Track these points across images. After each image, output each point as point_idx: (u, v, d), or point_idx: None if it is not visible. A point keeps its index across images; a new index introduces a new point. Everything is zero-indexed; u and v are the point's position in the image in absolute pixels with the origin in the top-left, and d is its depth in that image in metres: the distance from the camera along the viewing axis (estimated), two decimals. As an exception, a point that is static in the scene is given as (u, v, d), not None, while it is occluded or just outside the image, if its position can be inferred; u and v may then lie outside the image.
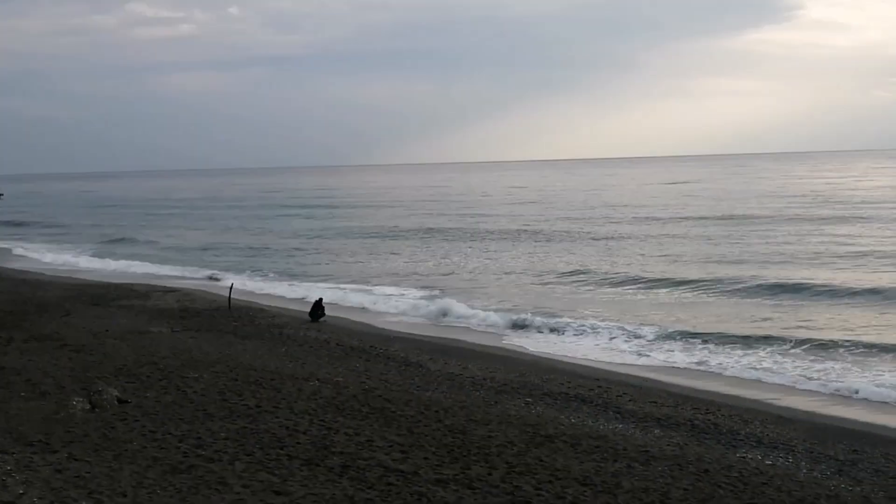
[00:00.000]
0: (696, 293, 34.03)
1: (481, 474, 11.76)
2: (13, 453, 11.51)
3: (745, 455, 14.09)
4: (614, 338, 26.11)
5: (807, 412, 18.00)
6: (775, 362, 22.57)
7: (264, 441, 12.74)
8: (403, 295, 35.35)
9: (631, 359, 23.74)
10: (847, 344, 23.88)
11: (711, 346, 24.52)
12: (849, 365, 21.90)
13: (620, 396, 18.19)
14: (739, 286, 34.47)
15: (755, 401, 18.93)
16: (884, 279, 34.77)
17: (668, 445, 14.27)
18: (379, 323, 28.96)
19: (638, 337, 25.98)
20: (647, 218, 69.54)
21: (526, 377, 19.78)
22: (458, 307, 30.82)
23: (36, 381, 15.94)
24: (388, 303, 33.34)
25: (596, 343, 25.75)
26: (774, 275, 36.80)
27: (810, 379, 20.77)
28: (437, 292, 35.60)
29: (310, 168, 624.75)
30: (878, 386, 19.81)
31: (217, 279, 41.27)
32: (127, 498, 10.15)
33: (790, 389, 20.15)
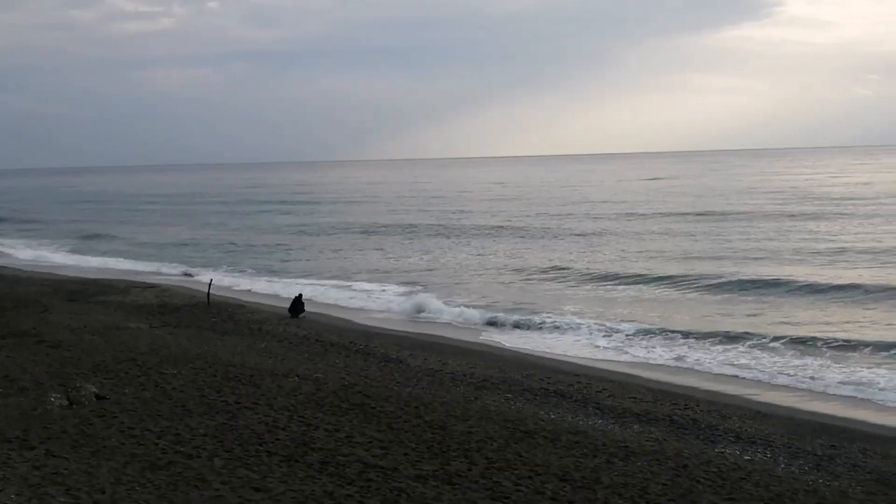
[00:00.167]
0: (675, 289, 34.13)
1: (461, 470, 11.76)
2: (-10, 450, 11.44)
3: (723, 450, 14.14)
4: (594, 334, 26.16)
5: (785, 408, 18.08)
6: (754, 358, 22.67)
7: (243, 437, 12.71)
8: (384, 291, 35.31)
9: (610, 355, 23.80)
10: (825, 340, 23.96)
11: (690, 342, 24.58)
12: (827, 361, 21.99)
13: (600, 392, 18.24)
14: (718, 282, 34.59)
15: (734, 396, 19.01)
16: (863, 275, 34.93)
17: (648, 441, 14.31)
18: (359, 319, 28.93)
19: (617, 333, 26.05)
20: (626, 214, 69.73)
21: (506, 373, 19.80)
22: (438, 303, 30.83)
23: (13, 378, 15.84)
24: (369, 299, 33.33)
25: (576, 339, 25.80)
26: (753, 271, 36.94)
27: (789, 375, 20.88)
28: (417, 288, 35.57)
29: (291, 163, 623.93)
30: (856, 382, 19.93)
31: (192, 275, 41.17)
32: (105, 494, 10.10)
33: (769, 385, 20.25)
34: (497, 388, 18.07)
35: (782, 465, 13.45)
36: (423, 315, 29.77)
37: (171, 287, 34.67)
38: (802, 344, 23.74)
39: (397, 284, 37.06)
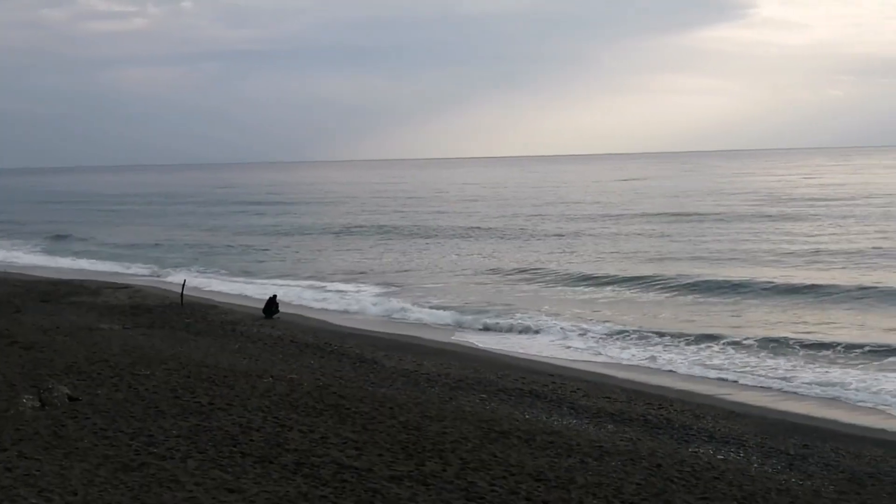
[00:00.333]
0: (649, 290, 34.21)
1: (435, 470, 11.75)
2: (-39, 452, 11.34)
3: (697, 450, 14.20)
4: (568, 334, 26.21)
5: (758, 407, 18.18)
6: (727, 358, 22.79)
7: (217, 438, 12.64)
8: (358, 292, 35.26)
9: (585, 355, 23.84)
10: (798, 340, 24.12)
11: (665, 342, 24.68)
12: (800, 361, 22.14)
13: (574, 392, 18.27)
14: (692, 283, 34.71)
15: (707, 396, 19.09)
16: (836, 276, 35.16)
17: (622, 440, 14.35)
18: (333, 319, 28.88)
19: (591, 333, 26.12)
20: (601, 215, 69.91)
21: (481, 373, 19.80)
22: (413, 304, 30.82)
23: (-16, 379, 15.70)
24: (343, 299, 33.26)
25: (550, 339, 25.84)
26: (727, 272, 37.11)
27: (762, 375, 21.00)
28: (392, 289, 35.56)
29: (265, 164, 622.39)
30: (828, 382, 20.07)
31: (164, 276, 40.96)
32: (78, 496, 10.03)
33: (742, 385, 20.34)
34: (472, 389, 18.07)
35: (755, 465, 13.51)
36: (397, 316, 29.73)
37: (144, 288, 34.49)
38: (776, 344, 23.87)
39: (372, 285, 37.02)
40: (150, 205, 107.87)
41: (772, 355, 22.86)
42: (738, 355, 23.03)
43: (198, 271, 42.07)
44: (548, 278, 38.03)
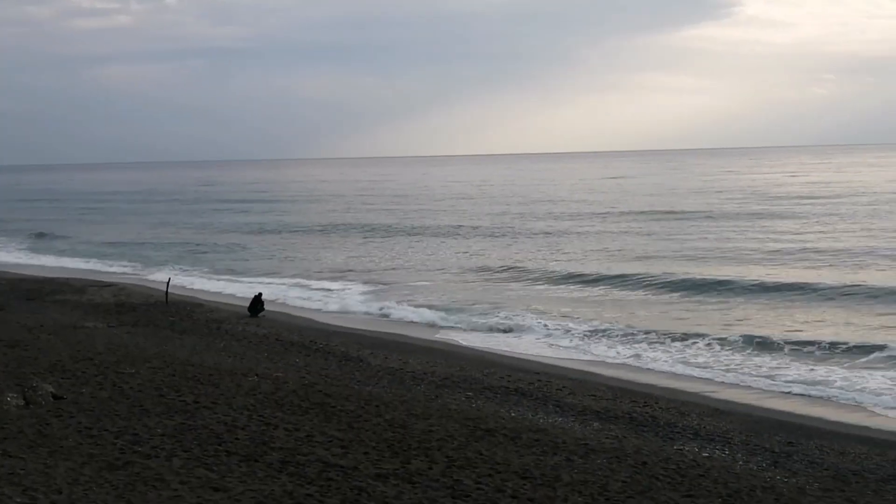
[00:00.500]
0: (634, 288, 34.28)
1: (421, 468, 11.74)
2: (-56, 451, 11.28)
3: (682, 447, 14.23)
4: (554, 332, 26.24)
5: (743, 405, 18.25)
6: (713, 356, 22.86)
7: (202, 437, 12.61)
8: (344, 290, 35.22)
9: (570, 353, 23.89)
10: (783, 338, 24.20)
11: (650, 340, 24.74)
12: (785, 359, 22.25)
13: (560, 390, 18.29)
14: (677, 281, 34.78)
15: (692, 394, 19.16)
16: (821, 274, 35.29)
17: (607, 438, 14.37)
18: (319, 318, 28.85)
19: (577, 331, 26.15)
20: (586, 213, 69.99)
21: (466, 371, 19.81)
22: (399, 302, 30.80)
23: (-32, 378, 15.62)
24: (329, 298, 33.22)
25: (536, 338, 25.86)
26: (713, 270, 37.21)
27: (747, 373, 21.06)
28: (378, 287, 35.55)
29: (250, 161, 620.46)
30: (813, 380, 20.16)
31: (150, 274, 40.84)
32: (62, 495, 9.98)
33: (727, 383, 20.41)
34: (457, 387, 18.08)
35: (740, 462, 13.55)
36: (383, 314, 29.71)
37: (128, 286, 34.39)
38: (761, 342, 23.94)
39: (358, 283, 36.99)
40: (134, 203, 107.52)
41: (757, 353, 22.96)
42: (723, 353, 23.10)
43: (182, 269, 41.99)
44: (534, 276, 38.06)
